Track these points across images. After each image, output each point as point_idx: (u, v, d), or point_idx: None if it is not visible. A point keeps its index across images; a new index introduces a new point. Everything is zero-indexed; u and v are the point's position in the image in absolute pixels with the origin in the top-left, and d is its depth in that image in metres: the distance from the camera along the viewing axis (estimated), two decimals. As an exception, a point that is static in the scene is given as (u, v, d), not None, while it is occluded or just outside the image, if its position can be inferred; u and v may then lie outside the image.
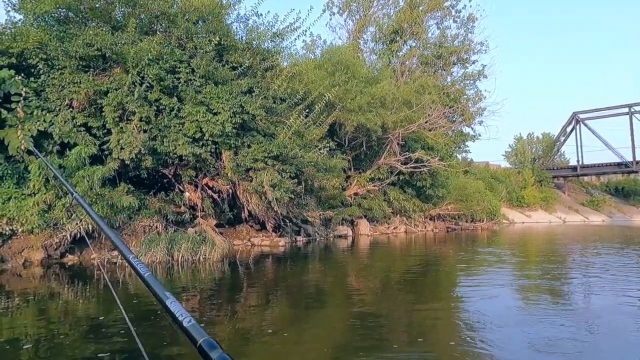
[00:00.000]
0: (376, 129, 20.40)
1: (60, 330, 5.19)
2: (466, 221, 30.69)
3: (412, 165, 23.55)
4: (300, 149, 13.90)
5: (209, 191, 13.83)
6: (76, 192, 2.43)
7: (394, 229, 24.66)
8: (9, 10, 12.18)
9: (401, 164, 23.43)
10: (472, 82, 38.84)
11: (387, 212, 24.23)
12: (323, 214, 17.64)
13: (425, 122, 23.99)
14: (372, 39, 37.72)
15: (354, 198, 22.39)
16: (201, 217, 13.61)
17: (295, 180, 13.52)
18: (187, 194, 13.44)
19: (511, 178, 52.46)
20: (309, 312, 6.20)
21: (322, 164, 15.46)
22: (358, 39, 36.81)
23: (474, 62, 39.21)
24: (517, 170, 56.30)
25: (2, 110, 10.02)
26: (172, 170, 13.12)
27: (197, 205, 13.52)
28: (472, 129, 39.44)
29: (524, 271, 10.78)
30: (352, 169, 22.83)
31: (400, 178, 24.59)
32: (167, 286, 8.07)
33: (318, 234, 18.64)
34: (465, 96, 36.60)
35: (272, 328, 5.38)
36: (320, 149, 15.42)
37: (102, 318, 5.77)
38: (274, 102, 14.27)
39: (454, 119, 34.44)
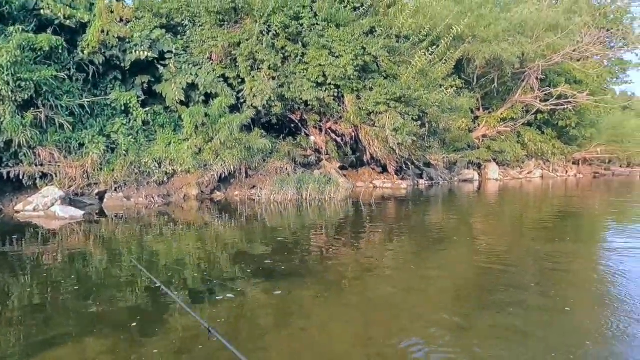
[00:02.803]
0: (513, 60, 18.25)
1: (214, 253, 6.23)
2: (620, 166, 26.63)
3: (553, 102, 20.89)
4: (424, 89, 13.36)
5: (333, 135, 14.36)
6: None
7: (528, 173, 22.67)
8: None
9: (540, 101, 20.94)
10: (641, -4, 31.66)
11: (521, 155, 22.27)
12: (447, 157, 17.03)
13: (573, 51, 20.71)
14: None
15: (482, 140, 20.98)
16: (326, 159, 14.32)
17: (419, 122, 13.18)
18: (312, 137, 14.18)
19: (688, 114, 43.01)
20: (431, 251, 6.31)
21: (447, 104, 14.68)
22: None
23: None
24: (698, 104, 45.77)
25: (159, 66, 11.60)
26: (298, 116, 13.88)
27: (321, 148, 14.22)
28: (637, 55, 32.79)
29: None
30: (481, 108, 21.21)
31: (538, 117, 22.12)
32: (299, 221, 8.86)
33: (441, 177, 18.17)
34: (629, 15, 30.16)
35: (394, 263, 5.66)
36: (445, 88, 14.59)
37: (246, 246, 6.73)
38: (397, 41, 13.77)
39: (612, 44, 28.93)
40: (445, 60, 15.72)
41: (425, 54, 13.93)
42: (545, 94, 20.85)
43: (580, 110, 22.21)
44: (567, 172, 24.53)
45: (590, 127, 24.06)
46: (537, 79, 20.61)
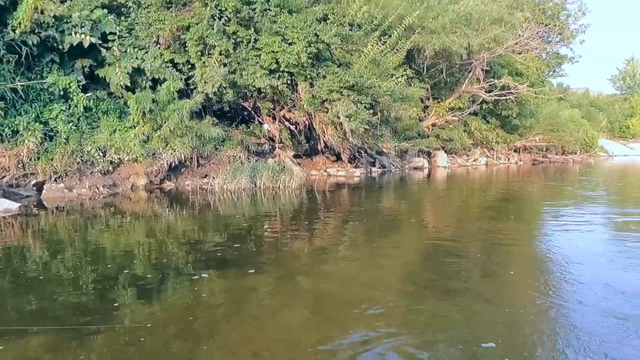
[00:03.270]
0: (460, 51, 18.89)
1: (164, 244, 6.04)
2: (556, 153, 28.48)
3: (497, 93, 21.91)
4: (377, 78, 13.55)
5: (287, 123, 14.26)
6: None
7: (474, 161, 23.74)
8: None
9: (485, 91, 21.89)
10: (575, -6, 33.69)
11: (467, 143, 23.23)
12: (398, 146, 17.42)
13: (515, 44, 21.77)
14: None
15: (432, 129, 21.67)
16: (280, 148, 14.22)
17: (371, 110, 13.38)
18: (266, 125, 14.01)
19: (615, 105, 46.72)
20: (384, 236, 6.48)
21: (398, 93, 15.00)
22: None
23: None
24: (623, 97, 49.80)
25: (102, 49, 10.93)
26: (251, 103, 13.64)
27: (275, 136, 14.09)
28: (572, 49, 34.95)
29: (613, 209, 10.03)
30: (431, 98, 21.86)
31: (483, 107, 23.11)
32: (253, 210, 8.79)
33: (393, 165, 18.62)
34: (565, 12, 32.10)
35: (348, 250, 5.76)
36: (397, 78, 14.89)
37: (198, 236, 6.59)
38: (350, 29, 13.83)
39: (550, 39, 30.69)
40: (397, 50, 16.04)
41: (377, 43, 14.13)
42: (490, 85, 21.82)
43: (521, 101, 23.45)
44: (509, 159, 25.91)
45: (530, 117, 25.50)
46: (482, 70, 21.49)
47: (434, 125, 21.73)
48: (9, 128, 9.37)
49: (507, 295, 3.95)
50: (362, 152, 16.15)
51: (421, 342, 3.03)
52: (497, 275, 4.56)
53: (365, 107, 13.03)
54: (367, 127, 13.31)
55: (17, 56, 9.85)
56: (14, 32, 9.70)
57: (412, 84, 18.16)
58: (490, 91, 21.94)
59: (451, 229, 7.09)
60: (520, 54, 23.11)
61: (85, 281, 4.31)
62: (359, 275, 4.57)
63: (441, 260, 5.07)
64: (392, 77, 14.85)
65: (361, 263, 5.04)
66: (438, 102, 22.06)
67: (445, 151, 22.23)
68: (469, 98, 22.18)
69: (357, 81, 12.76)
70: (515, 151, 26.68)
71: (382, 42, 14.43)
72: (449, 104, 21.76)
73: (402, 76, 15.40)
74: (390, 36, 15.00)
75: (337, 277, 4.48)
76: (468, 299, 3.75)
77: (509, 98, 22.25)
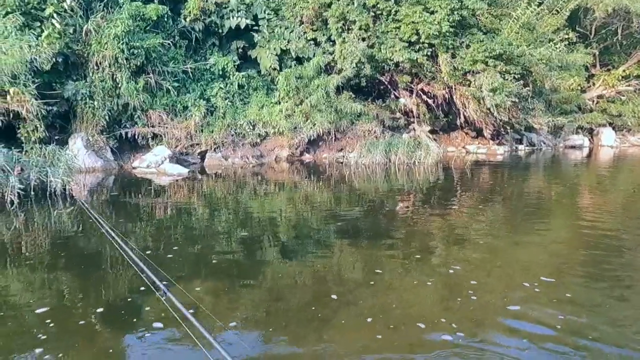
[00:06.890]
0: (642, 12, 15.64)
1: (304, 212, 6.49)
2: None
3: (693, 56, 17.62)
4: (529, 45, 12.07)
5: (424, 97, 13.74)
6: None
7: (653, 140, 19.74)
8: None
9: (676, 54, 17.79)
10: None
11: (646, 119, 19.36)
12: (553, 121, 15.38)
13: None
14: None
15: (597, 101, 18.59)
16: (416, 123, 13.84)
17: (521, 82, 12.03)
18: (402, 100, 13.72)
19: None
20: (527, 223, 5.90)
21: (556, 60, 13.14)
22: None
23: None
24: None
25: (253, 33, 11.91)
26: (388, 77, 13.46)
27: (411, 111, 13.72)
28: None
29: None
30: (598, 65, 18.66)
31: (672, 74, 18.85)
32: (387, 185, 8.80)
33: (544, 143, 16.61)
34: None
35: (483, 235, 5.41)
36: (555, 43, 13.03)
37: (334, 206, 6.90)
38: (499, -9, 12.51)
39: None
40: (556, 11, 14.00)
41: (531, 5, 12.51)
42: (685, 46, 17.67)
43: None
44: None
45: None
46: (675, 27, 17.42)
47: (600, 97, 18.62)
48: (181, 104, 10.97)
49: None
50: (508, 127, 14.73)
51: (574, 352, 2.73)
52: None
53: (514, 77, 11.78)
54: (515, 100, 12.04)
55: (187, 41, 11.37)
56: (185, 20, 11.18)
57: (575, 50, 15.71)
58: (684, 54, 17.76)
59: (613, 220, 6.08)
60: None
61: (236, 239, 4.90)
62: (494, 263, 4.26)
63: (596, 257, 4.41)
64: (549, 42, 13.04)
65: (499, 251, 4.69)
66: (607, 69, 18.74)
67: (613, 128, 18.94)
68: (653, 63, 18.32)
69: (505, 49, 11.56)
70: None
71: (537, 3, 12.70)
72: (623, 71, 18.30)
73: (562, 41, 13.40)
74: (549, -5, 13.14)
75: (470, 262, 4.26)
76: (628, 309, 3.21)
77: None
